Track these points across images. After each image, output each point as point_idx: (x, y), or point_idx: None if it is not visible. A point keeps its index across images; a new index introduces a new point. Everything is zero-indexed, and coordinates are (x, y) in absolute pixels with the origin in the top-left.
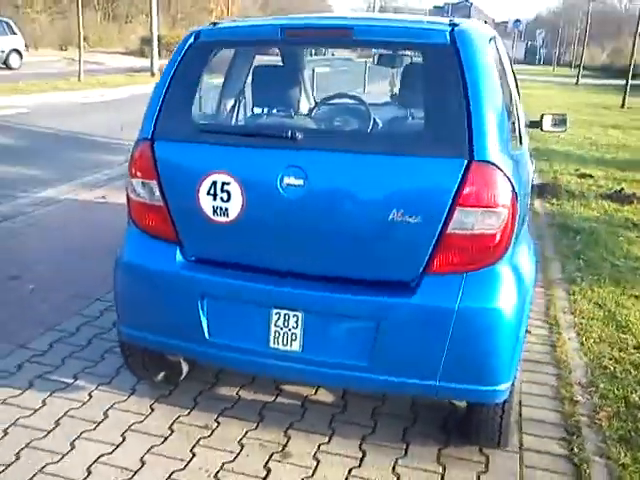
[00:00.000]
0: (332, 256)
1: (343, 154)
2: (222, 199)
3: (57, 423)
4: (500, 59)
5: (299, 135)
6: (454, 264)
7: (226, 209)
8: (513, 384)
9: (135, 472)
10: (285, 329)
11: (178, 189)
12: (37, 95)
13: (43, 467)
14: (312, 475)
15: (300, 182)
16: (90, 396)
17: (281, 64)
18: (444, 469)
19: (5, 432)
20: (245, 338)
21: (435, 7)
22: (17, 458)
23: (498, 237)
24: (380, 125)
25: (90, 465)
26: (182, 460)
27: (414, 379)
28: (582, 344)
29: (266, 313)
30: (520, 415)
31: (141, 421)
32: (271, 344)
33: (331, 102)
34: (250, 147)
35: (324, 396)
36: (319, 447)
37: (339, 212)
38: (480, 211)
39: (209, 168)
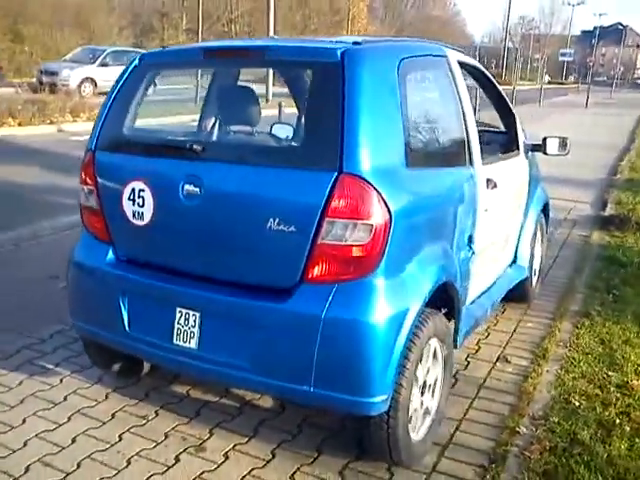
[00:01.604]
0: (222, 261)
1: (232, 165)
2: (139, 204)
3: (22, 401)
4: (427, 80)
5: (198, 148)
6: (327, 274)
7: (142, 213)
8: (395, 399)
9: (63, 448)
10: (185, 327)
11: (109, 195)
12: None
13: None
14: (214, 470)
15: (197, 190)
16: (61, 381)
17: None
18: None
19: None
20: (155, 333)
21: (583, 32)
22: None
23: (368, 250)
24: (268, 139)
25: (29, 439)
26: (108, 442)
27: (290, 383)
28: (559, 378)
29: (172, 311)
30: (451, 438)
31: (92, 406)
32: (174, 340)
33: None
34: (159, 158)
35: (265, 401)
36: (234, 446)
37: (228, 219)
38: (348, 223)
39: (129, 176)
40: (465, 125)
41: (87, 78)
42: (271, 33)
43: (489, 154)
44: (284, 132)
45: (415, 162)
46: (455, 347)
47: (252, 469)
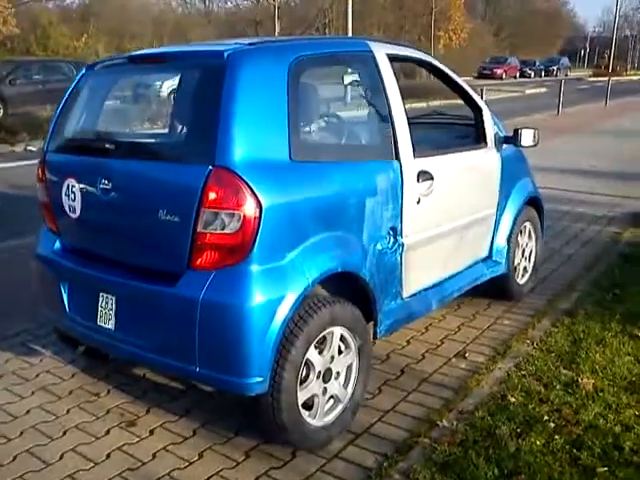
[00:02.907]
0: (127, 249)
1: (129, 162)
2: (71, 199)
3: (0, 376)
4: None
5: (109, 147)
6: (207, 261)
7: (74, 207)
8: (276, 382)
9: (16, 418)
10: (105, 310)
11: (54, 191)
12: None
13: None
14: (136, 443)
15: (108, 186)
16: (40, 361)
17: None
18: (246, 457)
19: None
20: (86, 315)
21: None
22: None
23: (239, 239)
24: (158, 136)
25: None
26: (55, 415)
27: (181, 363)
28: (508, 376)
29: (96, 295)
30: (369, 428)
31: (57, 383)
32: (98, 322)
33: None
34: (85, 156)
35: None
36: (162, 424)
37: (129, 210)
38: (220, 213)
39: (66, 173)
40: (391, 120)
41: None
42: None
43: (435, 147)
44: (173, 127)
45: (304, 156)
46: (375, 338)
47: (168, 445)
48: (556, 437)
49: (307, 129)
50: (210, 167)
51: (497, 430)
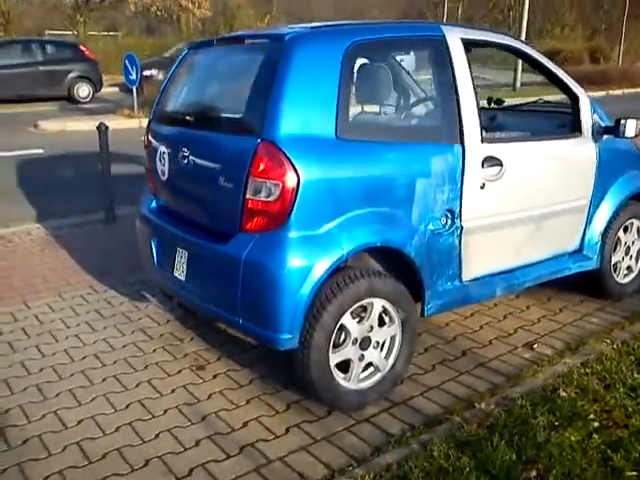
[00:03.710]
0: (198, 210)
1: (201, 132)
2: (162, 164)
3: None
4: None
5: (189, 119)
6: (252, 225)
7: (164, 171)
8: (306, 340)
9: (113, 350)
10: (180, 263)
11: (153, 156)
12: None
13: None
14: (198, 384)
15: (186, 153)
16: (146, 306)
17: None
18: (286, 409)
19: None
20: (167, 267)
21: None
22: None
23: (279, 207)
24: (224, 110)
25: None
26: (141, 351)
27: (230, 315)
28: (570, 371)
29: (174, 250)
30: (408, 400)
31: (152, 327)
32: (174, 273)
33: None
34: (173, 127)
35: None
36: (226, 371)
37: (199, 176)
38: (263, 182)
39: (160, 141)
40: (457, 105)
41: None
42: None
43: (519, 134)
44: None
45: (352, 135)
46: (422, 315)
47: (226, 388)
48: (595, 436)
49: (359, 110)
50: (259, 140)
51: (532, 420)
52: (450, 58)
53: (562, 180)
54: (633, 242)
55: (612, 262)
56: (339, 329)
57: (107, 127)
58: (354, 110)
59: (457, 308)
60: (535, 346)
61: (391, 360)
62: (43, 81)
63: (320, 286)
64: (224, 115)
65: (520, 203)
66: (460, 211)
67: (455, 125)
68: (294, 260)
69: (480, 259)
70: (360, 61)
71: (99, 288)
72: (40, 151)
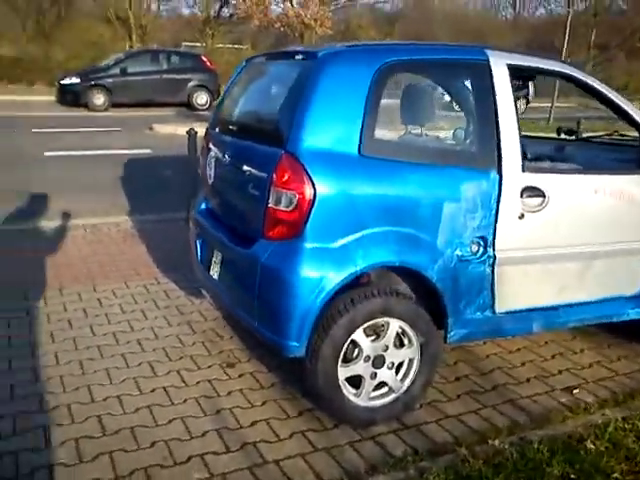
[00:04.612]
0: (232, 214)
1: (240, 141)
2: (210, 168)
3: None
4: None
5: (232, 128)
6: (272, 232)
7: (211, 175)
8: (313, 350)
9: (156, 338)
10: (215, 263)
11: (205, 161)
12: None
13: None
14: (223, 380)
15: (227, 160)
16: (200, 302)
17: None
18: (297, 415)
19: None
20: (206, 266)
21: None
22: None
23: (295, 216)
24: (253, 119)
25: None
26: (180, 342)
27: (248, 316)
28: (606, 424)
29: (212, 250)
30: (421, 425)
31: (199, 321)
32: (210, 272)
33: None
34: (222, 134)
35: None
36: (252, 372)
37: (234, 182)
38: (282, 192)
39: (211, 147)
40: (496, 131)
41: None
42: None
43: (575, 166)
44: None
45: (376, 153)
46: (445, 342)
47: (247, 388)
48: None
49: (386, 129)
50: (282, 151)
51: (546, 467)
52: (492, 83)
53: (620, 218)
54: None
55: None
56: (352, 344)
57: (196, 132)
58: (381, 129)
59: (487, 339)
60: (576, 391)
61: (407, 383)
62: (166, 88)
63: (330, 298)
64: (259, 126)
65: (566, 238)
66: (493, 240)
67: (492, 152)
68: (305, 270)
69: (516, 292)
70: (391, 81)
71: (162, 280)
72: (148, 151)
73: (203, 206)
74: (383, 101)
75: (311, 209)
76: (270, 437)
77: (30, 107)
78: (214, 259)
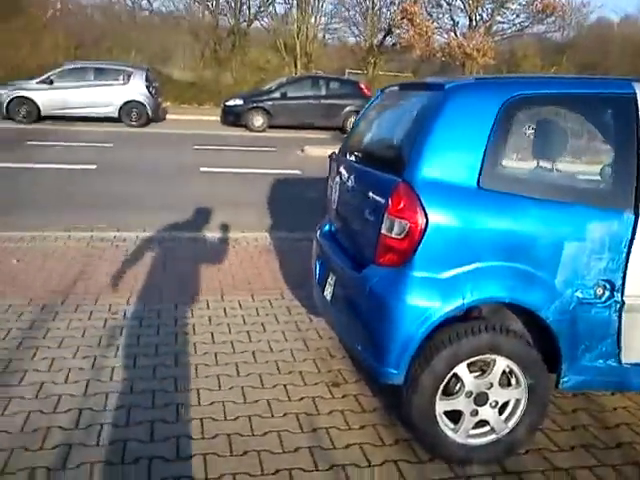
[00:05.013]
0: (350, 239)
1: (361, 167)
2: (334, 191)
3: None
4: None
5: (358, 154)
6: (382, 259)
7: (335, 199)
8: (412, 379)
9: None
10: (330, 284)
11: (330, 185)
12: None
13: None
14: (325, 399)
15: (349, 185)
16: (310, 321)
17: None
18: (392, 443)
19: None
20: (322, 287)
21: None
22: None
23: (405, 245)
24: (377, 146)
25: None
26: (287, 359)
27: (352, 340)
28: None
29: (329, 272)
30: (523, 473)
31: (313, 340)
32: (324, 293)
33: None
34: (347, 159)
35: None
36: (355, 395)
37: (354, 208)
38: (394, 220)
39: (336, 172)
40: (637, 170)
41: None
42: None
43: None
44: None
45: (496, 186)
46: (556, 387)
47: (347, 409)
48: None
49: (510, 163)
50: (399, 180)
51: None
52: (638, 118)
53: None
54: None
55: None
56: (454, 378)
57: None
58: (504, 162)
59: (608, 390)
60: None
61: (511, 424)
62: (323, 112)
63: (434, 329)
64: (382, 153)
65: None
66: (622, 285)
67: (630, 191)
68: (411, 298)
69: None
70: (519, 115)
71: (287, 296)
72: (298, 172)
73: (326, 228)
74: (508, 134)
75: (422, 238)
76: (361, 462)
77: (196, 126)
78: (329, 280)
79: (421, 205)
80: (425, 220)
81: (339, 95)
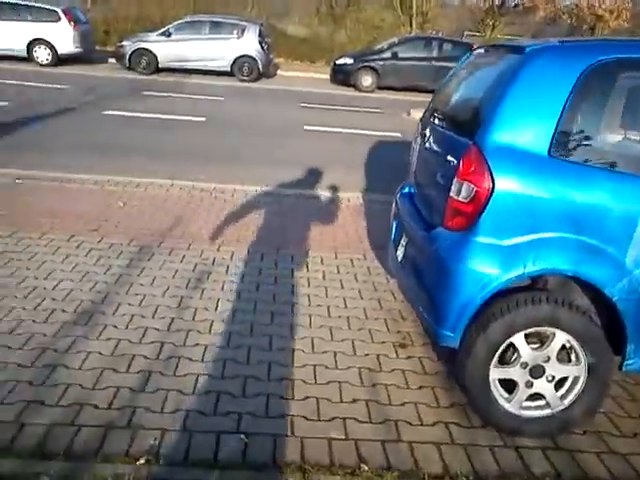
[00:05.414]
0: (424, 201)
1: (438, 128)
2: (414, 154)
3: None
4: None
5: (439, 116)
6: (450, 222)
7: (414, 161)
8: (466, 344)
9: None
10: (401, 245)
11: (412, 147)
12: None
13: None
14: (390, 358)
15: (427, 148)
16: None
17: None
18: (448, 406)
19: None
20: (396, 247)
21: None
22: None
23: (470, 209)
24: (456, 108)
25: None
26: (351, 321)
27: (416, 300)
28: None
29: (402, 233)
30: (575, 452)
31: (388, 300)
32: (397, 253)
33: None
34: (428, 123)
35: None
36: (420, 357)
37: (430, 171)
38: (463, 183)
39: (419, 135)
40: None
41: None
42: None
43: None
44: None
45: (568, 155)
46: (620, 369)
47: (403, 369)
48: None
49: (586, 131)
50: (470, 143)
51: None
52: None
53: None
54: None
55: None
56: (511, 347)
57: None
58: (579, 131)
59: None
60: None
61: (567, 402)
62: (434, 75)
63: (492, 296)
64: (459, 115)
65: None
66: None
67: None
68: (472, 262)
69: None
70: (602, 81)
71: (369, 256)
72: (399, 135)
73: (405, 190)
74: (587, 102)
75: (487, 203)
76: (414, 420)
77: (305, 83)
78: (402, 241)
79: (489, 170)
80: (491, 185)
81: (451, 58)
